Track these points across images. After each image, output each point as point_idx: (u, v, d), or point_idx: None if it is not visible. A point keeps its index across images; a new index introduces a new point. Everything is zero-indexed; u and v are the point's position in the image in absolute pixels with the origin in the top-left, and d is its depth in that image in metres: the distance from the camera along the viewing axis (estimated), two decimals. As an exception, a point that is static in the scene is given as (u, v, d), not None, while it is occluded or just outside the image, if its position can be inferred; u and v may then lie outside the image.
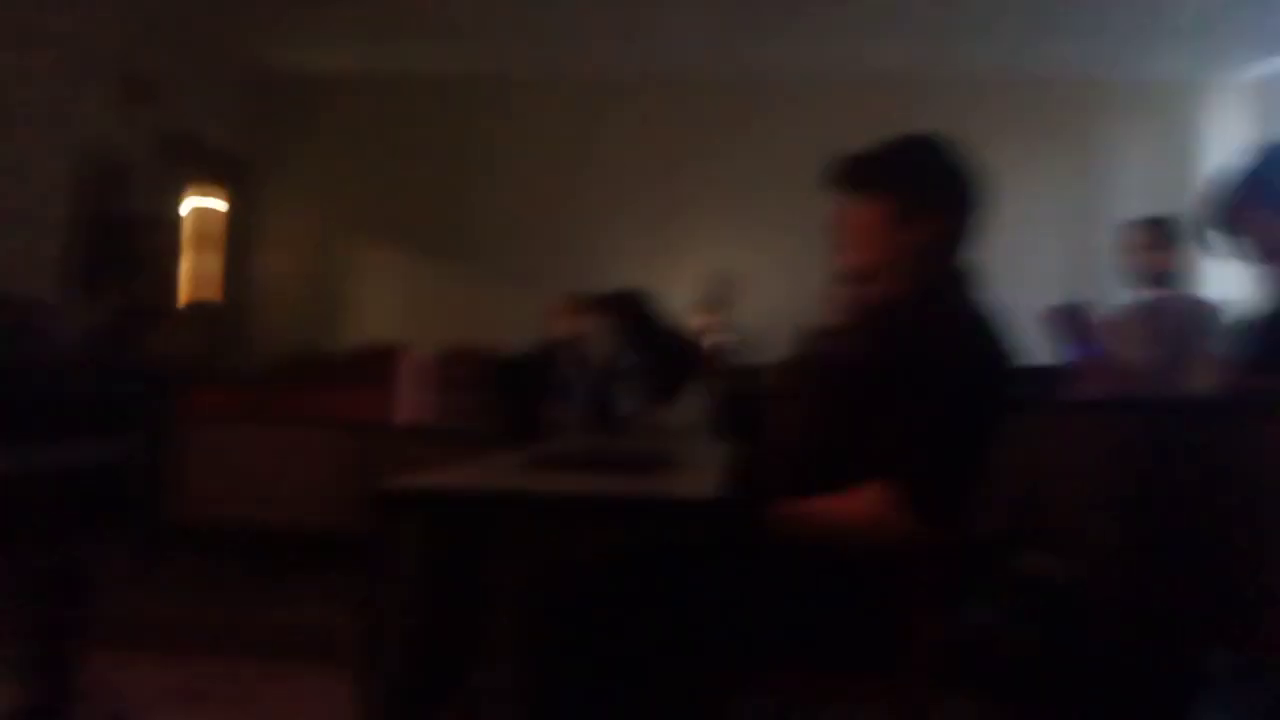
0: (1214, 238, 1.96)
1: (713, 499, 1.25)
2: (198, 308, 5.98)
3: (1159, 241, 3.57)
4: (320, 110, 7.02)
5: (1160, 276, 3.52)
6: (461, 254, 6.91)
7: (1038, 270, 6.24)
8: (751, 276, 6.71)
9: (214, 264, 6.42)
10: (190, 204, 6.23)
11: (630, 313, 3.22)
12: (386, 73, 6.89)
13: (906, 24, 5.94)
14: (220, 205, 6.50)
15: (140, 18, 5.47)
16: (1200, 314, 3.46)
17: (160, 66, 5.67)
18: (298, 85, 6.95)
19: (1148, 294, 3.54)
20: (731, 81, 6.85)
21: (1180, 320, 3.37)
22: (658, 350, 3.02)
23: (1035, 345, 3.35)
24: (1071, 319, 2.76)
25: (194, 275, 6.19)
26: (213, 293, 6.30)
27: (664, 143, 6.91)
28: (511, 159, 6.95)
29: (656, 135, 6.93)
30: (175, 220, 6.06)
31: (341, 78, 6.94)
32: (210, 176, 6.35)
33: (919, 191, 1.67)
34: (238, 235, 6.61)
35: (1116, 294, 3.85)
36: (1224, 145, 6.75)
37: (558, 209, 6.89)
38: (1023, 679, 2.78)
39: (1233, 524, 1.55)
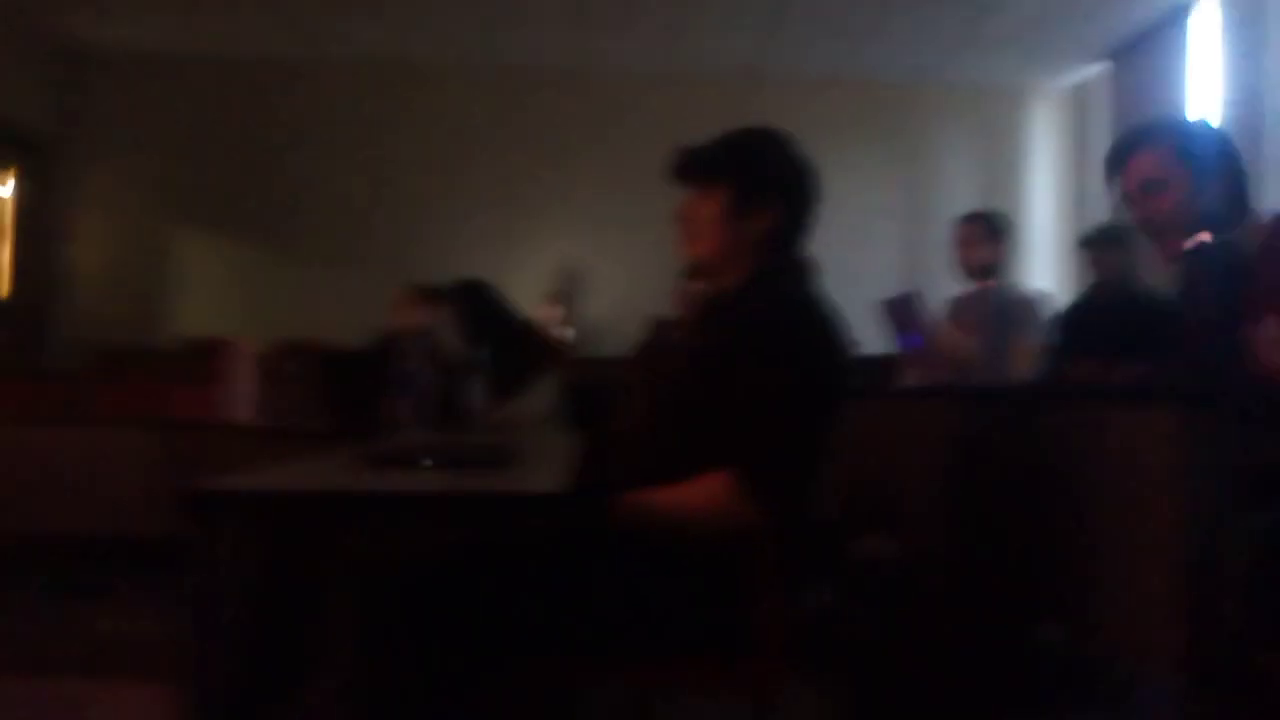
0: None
1: (555, 493, 1.22)
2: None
3: (984, 236, 3.76)
4: (136, 89, 6.57)
5: (985, 269, 3.71)
6: (294, 243, 6.62)
7: (873, 264, 6.49)
8: (599, 268, 6.71)
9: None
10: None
11: (474, 303, 3.14)
12: (211, 51, 6.52)
13: (748, 21, 6.06)
14: (3, 190, 5.95)
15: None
16: (1021, 305, 3.66)
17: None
18: (107, 61, 6.47)
19: (974, 286, 3.73)
20: (577, 72, 6.82)
21: (1002, 311, 3.56)
22: (503, 342, 2.96)
23: (870, 335, 3.47)
24: (902, 310, 2.87)
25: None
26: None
27: (509, 132, 6.82)
28: (350, 145, 6.70)
29: (501, 124, 6.83)
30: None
31: (159, 54, 6.52)
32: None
33: (756, 183, 1.70)
34: (33, 223, 6.08)
35: (946, 286, 4.04)
36: (1044, 149, 7.20)
37: (399, 197, 6.70)
38: (862, 660, 2.87)
39: (1050, 505, 1.63)
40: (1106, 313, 3.97)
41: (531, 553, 1.60)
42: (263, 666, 1.89)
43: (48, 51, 6.18)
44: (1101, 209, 6.47)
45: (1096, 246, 4.12)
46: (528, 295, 4.31)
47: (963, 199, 6.21)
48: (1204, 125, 1.90)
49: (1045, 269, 7.06)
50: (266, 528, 1.69)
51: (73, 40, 6.24)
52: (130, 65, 6.50)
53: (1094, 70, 6.72)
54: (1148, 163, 1.92)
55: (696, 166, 1.74)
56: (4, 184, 5.91)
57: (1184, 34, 5.80)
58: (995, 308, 3.48)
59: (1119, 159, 2.00)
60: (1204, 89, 5.66)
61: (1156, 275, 3.98)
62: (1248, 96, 5.24)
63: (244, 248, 6.62)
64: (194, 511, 1.37)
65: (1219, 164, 1.88)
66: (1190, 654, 1.20)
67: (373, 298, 4.69)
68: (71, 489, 3.50)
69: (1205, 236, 1.55)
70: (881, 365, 3.20)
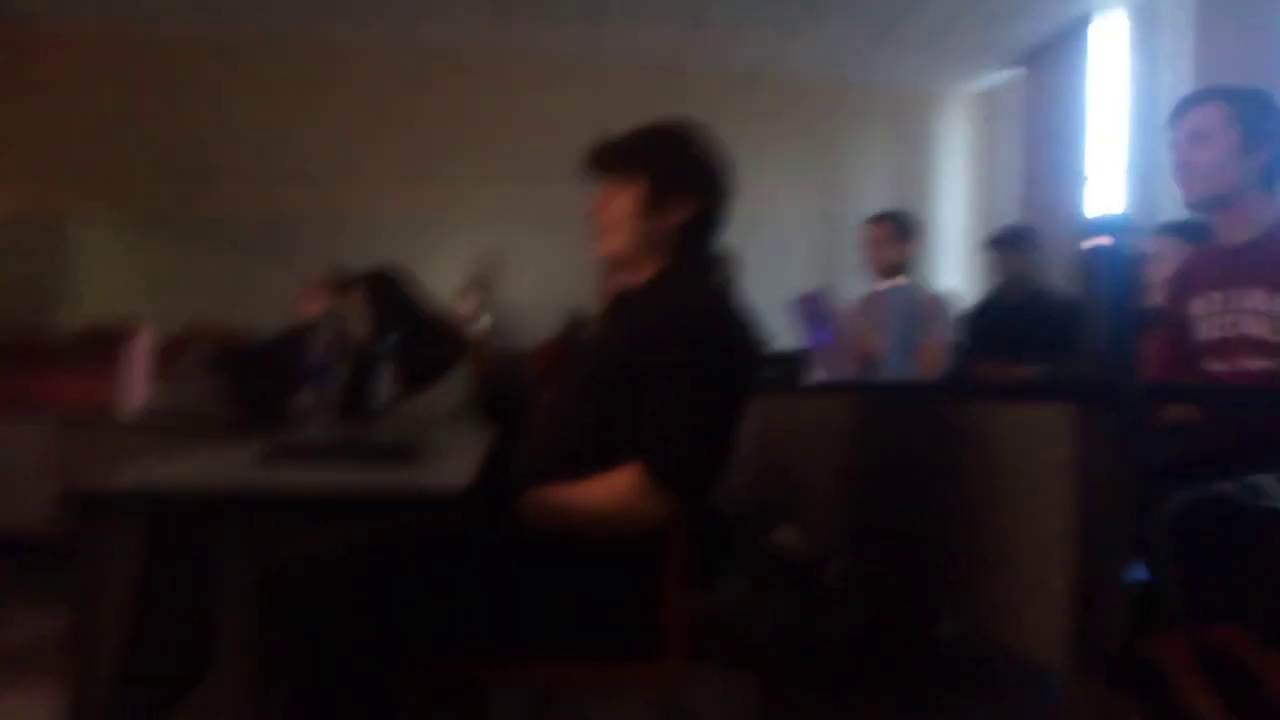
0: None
1: (460, 489, 1.20)
2: None
3: (893, 236, 3.83)
4: (29, 59, 6.25)
5: (894, 268, 3.78)
6: (200, 227, 6.40)
7: (789, 260, 6.56)
8: (516, 259, 6.65)
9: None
10: None
11: (387, 292, 3.08)
12: (114, 22, 6.25)
13: (670, 13, 6.06)
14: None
15: None
16: (928, 303, 3.74)
17: None
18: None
19: (883, 284, 3.80)
20: (495, 58, 6.74)
21: (909, 309, 3.63)
22: (413, 333, 2.90)
23: (784, 331, 3.51)
24: (813, 307, 2.91)
25: None
26: None
27: (425, 117, 6.70)
28: (259, 126, 6.50)
29: (417, 109, 6.72)
30: None
31: (55, 23, 6.23)
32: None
33: (670, 177, 1.69)
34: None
35: (861, 284, 4.10)
36: (955, 150, 7.37)
37: (310, 182, 6.53)
38: (773, 651, 2.91)
39: (952, 500, 1.66)
40: (1010, 312, 4.10)
41: (436, 549, 1.57)
42: (157, 667, 1.83)
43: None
44: (1009, 211, 6.67)
45: (1002, 248, 4.24)
46: (441, 285, 4.24)
47: (876, 198, 6.32)
48: (1270, 102, 2.04)
49: (955, 269, 7.23)
50: (158, 526, 1.62)
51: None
52: (23, 33, 6.20)
53: (1004, 75, 6.91)
54: (1203, 115, 2.06)
55: (610, 159, 1.72)
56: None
57: (1093, 41, 6.00)
58: (903, 306, 3.55)
59: (1183, 108, 2.13)
60: (1109, 95, 5.86)
61: (1059, 276, 4.12)
62: (1149, 103, 5.44)
63: (146, 231, 6.38)
64: (80, 511, 1.32)
65: (1268, 140, 2.03)
66: (1076, 644, 1.24)
67: (280, 285, 4.58)
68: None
69: (1104, 240, 1.59)
70: (793, 361, 3.24)
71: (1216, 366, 2.06)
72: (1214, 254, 2.15)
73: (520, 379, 3.65)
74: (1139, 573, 1.58)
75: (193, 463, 1.58)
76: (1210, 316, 2.09)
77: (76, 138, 6.26)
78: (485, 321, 6.17)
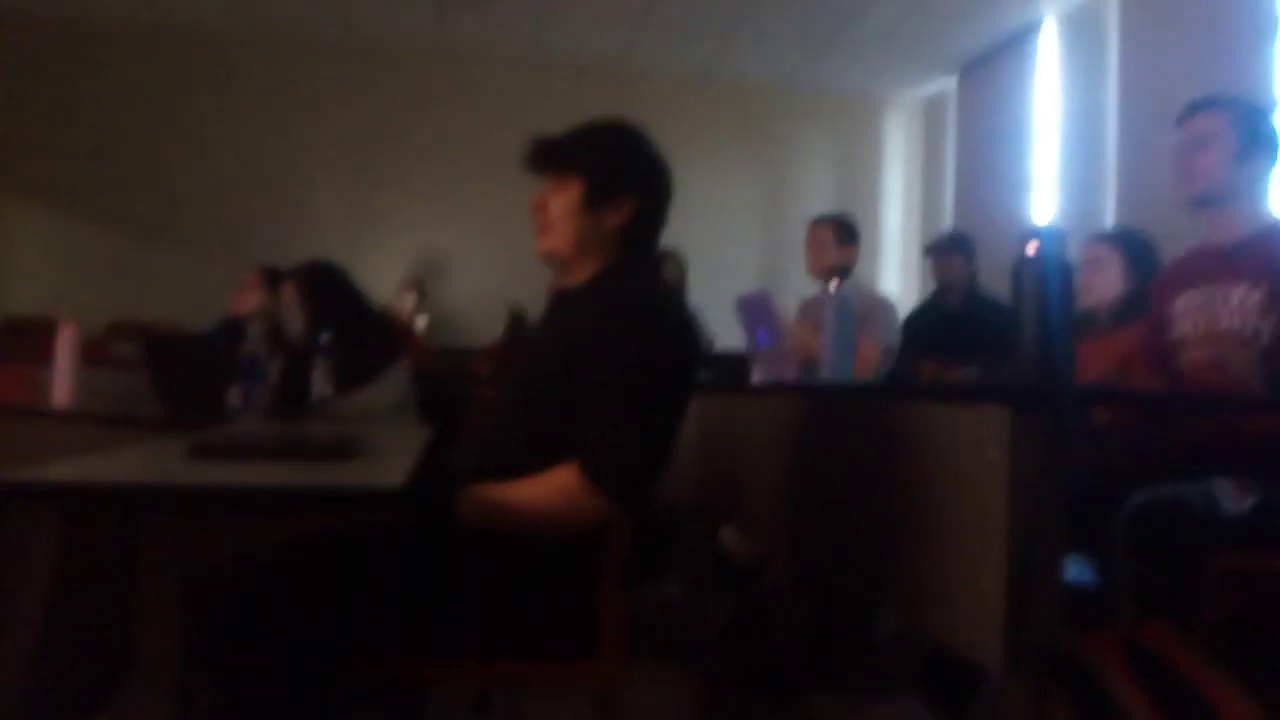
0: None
1: (396, 487, 1.18)
2: None
3: (834, 239, 3.87)
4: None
5: (834, 271, 3.81)
6: (131, 220, 6.24)
7: (732, 261, 6.60)
8: (461, 258, 6.60)
9: None
10: None
11: (320, 287, 3.02)
12: (42, 9, 6.07)
13: (617, 13, 6.06)
14: None
15: None
16: (868, 306, 3.78)
17: None
18: None
19: (824, 287, 3.82)
20: (438, 54, 6.68)
21: (848, 311, 3.66)
22: (350, 329, 2.85)
23: (728, 331, 3.52)
24: (755, 308, 2.92)
25: None
26: None
27: (365, 112, 6.62)
28: (195, 118, 6.37)
29: (357, 104, 6.63)
30: None
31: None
32: None
33: (610, 176, 1.68)
34: None
35: (804, 286, 4.14)
36: (897, 156, 7.48)
37: (248, 176, 6.41)
38: (714, 650, 2.91)
39: (889, 500, 1.68)
40: (947, 316, 4.16)
41: (371, 548, 1.55)
42: (75, 670, 1.77)
43: None
44: (949, 216, 6.78)
45: (940, 253, 4.30)
46: (381, 283, 4.19)
47: (819, 202, 6.38)
48: (1268, 116, 2.16)
49: (896, 273, 7.34)
50: (75, 522, 1.57)
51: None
52: None
53: (946, 83, 7.03)
54: (1207, 121, 2.19)
55: (551, 157, 1.72)
56: None
57: (1030, 53, 6.12)
58: (843, 308, 3.58)
59: (1189, 112, 2.24)
60: (1047, 105, 5.99)
61: (996, 281, 4.19)
62: (1087, 114, 5.57)
63: (74, 223, 6.21)
64: None
65: (1262, 149, 2.17)
66: (1008, 642, 1.26)
67: (213, 282, 4.48)
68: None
69: (1038, 246, 1.62)
70: (735, 361, 3.25)
71: (1195, 356, 2.15)
72: (1202, 253, 2.27)
73: (459, 377, 3.61)
74: (1075, 572, 1.61)
75: (117, 457, 1.53)
76: (1194, 310, 2.20)
77: (5, 126, 6.07)
78: (423, 319, 6.11)
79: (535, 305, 2.71)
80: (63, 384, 2.96)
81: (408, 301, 6.04)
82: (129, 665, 1.67)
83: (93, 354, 3.40)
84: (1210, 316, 2.16)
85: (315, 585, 1.50)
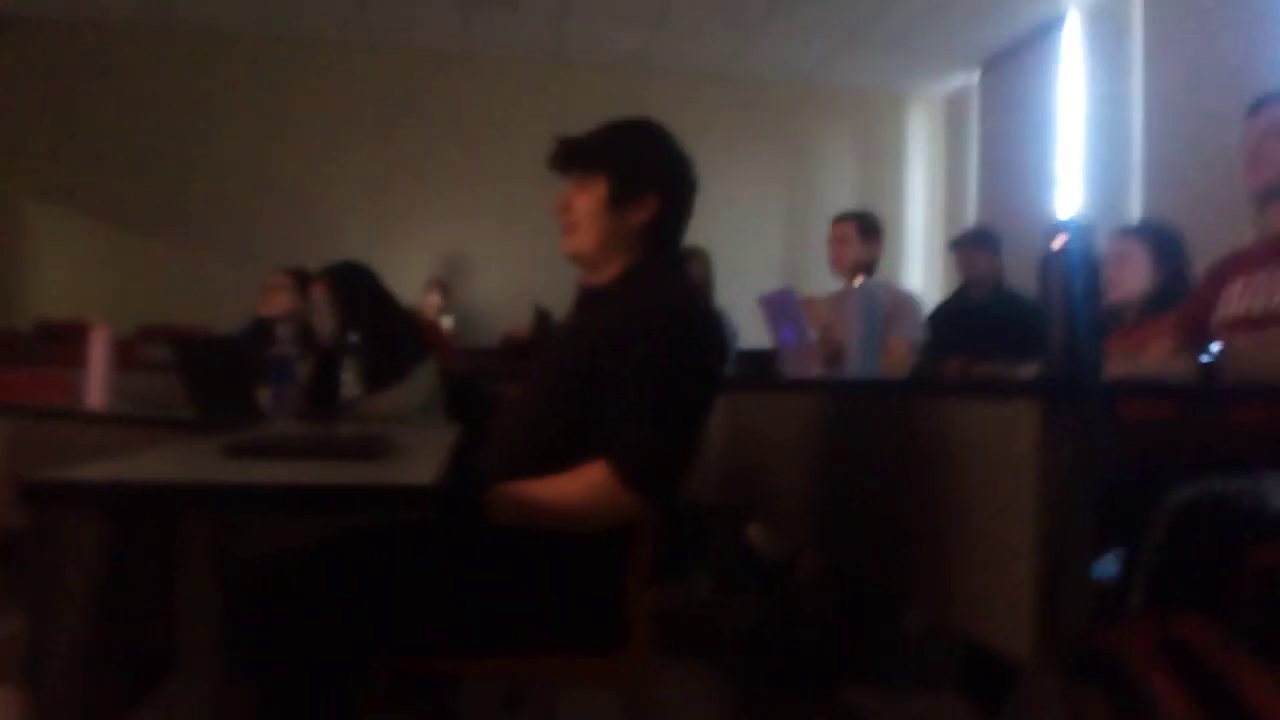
0: None
1: (427, 485, 1.19)
2: None
3: (857, 235, 3.86)
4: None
5: (858, 267, 3.80)
6: (162, 223, 6.32)
7: (757, 259, 6.60)
8: (483, 256, 6.63)
9: None
10: None
11: (350, 287, 3.04)
12: (76, 17, 6.15)
13: (637, 12, 6.07)
14: None
15: None
16: (893, 302, 3.77)
17: None
18: None
19: (848, 283, 3.82)
20: (461, 55, 6.72)
21: (874, 307, 3.65)
22: (380, 328, 2.88)
23: (753, 328, 3.52)
24: (779, 305, 2.92)
25: None
26: None
27: (390, 113, 6.67)
28: (224, 122, 6.44)
29: (384, 107, 6.68)
30: None
31: (20, 15, 6.12)
32: None
33: (634, 175, 1.70)
34: None
35: (828, 282, 4.13)
36: (921, 152, 7.45)
37: (275, 178, 6.47)
38: (743, 646, 2.92)
39: (917, 496, 1.68)
40: (973, 312, 4.14)
41: (402, 545, 1.57)
42: (120, 665, 1.80)
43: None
44: (973, 212, 6.74)
45: (966, 247, 4.28)
46: (406, 281, 4.21)
47: (842, 198, 6.37)
48: None
49: (920, 269, 7.31)
50: (115, 521, 1.59)
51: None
52: None
53: (969, 78, 6.99)
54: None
55: (575, 157, 1.73)
56: None
57: (1054, 46, 6.08)
58: (868, 304, 3.57)
59: (1263, 102, 2.24)
60: (1072, 99, 5.95)
61: (1023, 275, 4.16)
62: (1111, 106, 5.52)
63: (101, 226, 6.29)
64: (37, 503, 1.29)
65: None
66: (1040, 637, 1.26)
67: (242, 284, 4.53)
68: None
69: (1065, 240, 1.62)
70: (761, 358, 3.25)
71: (1242, 339, 2.14)
72: (1267, 241, 2.26)
73: (485, 375, 3.62)
74: (1106, 566, 1.60)
75: (154, 457, 1.56)
76: (1249, 295, 2.19)
77: (37, 135, 6.16)
78: (448, 319, 6.14)
79: (560, 303, 2.73)
80: (96, 387, 3.01)
81: (433, 301, 6.08)
82: (170, 661, 1.69)
83: (123, 357, 3.45)
84: (1267, 301, 2.14)
85: (349, 582, 1.52)
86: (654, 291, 1.64)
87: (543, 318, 4.01)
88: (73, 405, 3.04)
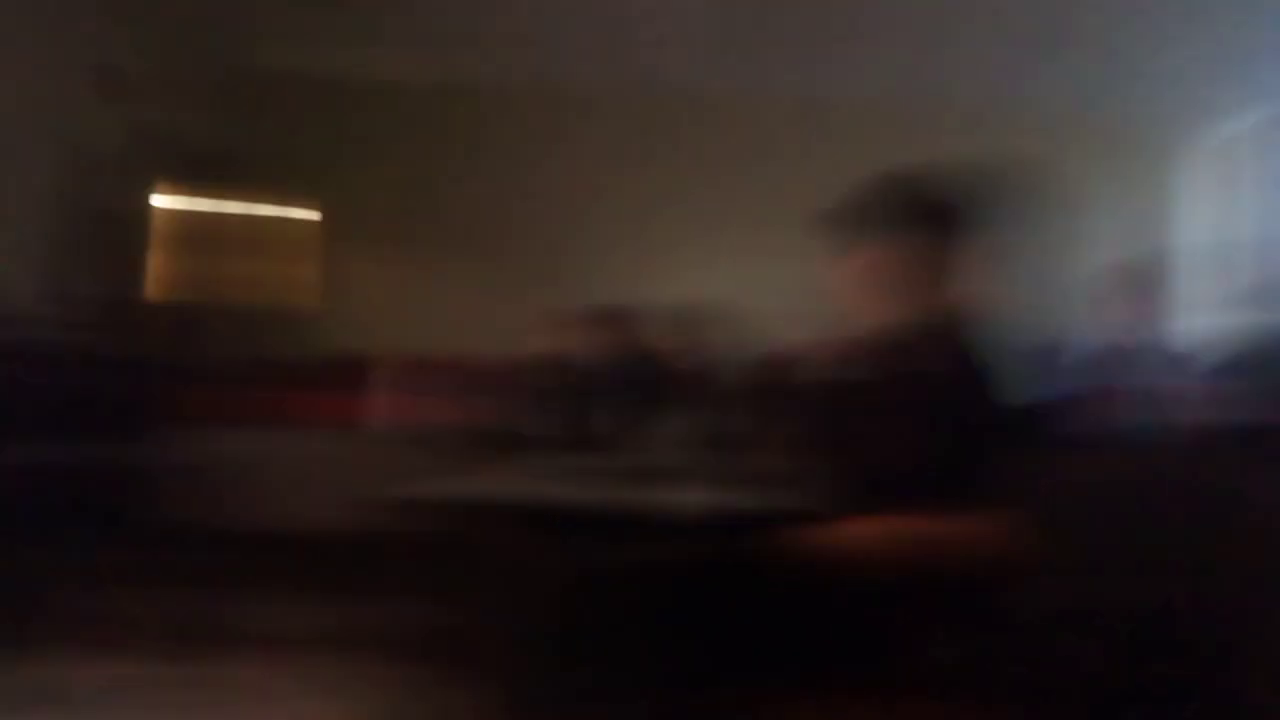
0: None
1: (788, 511, 1.30)
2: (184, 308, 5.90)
3: (1135, 286, 3.74)
4: (302, 109, 6.90)
5: (1137, 319, 3.67)
6: (459, 259, 6.83)
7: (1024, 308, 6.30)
8: (755, 296, 6.71)
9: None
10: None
11: (619, 329, 3.23)
12: (377, 75, 6.82)
13: (900, 52, 6.05)
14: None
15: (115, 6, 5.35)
16: (1172, 353, 3.60)
17: (135, 57, 5.59)
18: (283, 83, 6.79)
19: (1124, 334, 3.69)
20: (725, 101, 6.87)
21: (1154, 359, 3.52)
22: (644, 367, 3.03)
23: (1035, 381, 3.45)
24: (1058, 359, 2.86)
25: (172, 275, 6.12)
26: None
27: (664, 157, 6.91)
28: (510, 167, 6.88)
29: (656, 150, 6.93)
30: (145, 215, 5.95)
31: (326, 78, 6.86)
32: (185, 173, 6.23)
33: (938, 228, 1.72)
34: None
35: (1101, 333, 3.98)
36: (1199, 197, 6.92)
37: (556, 216, 6.86)
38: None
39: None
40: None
41: (731, 575, 1.59)
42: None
43: (239, 78, 6.55)
44: (1254, 262, 6.25)
45: (1253, 300, 4.05)
46: (663, 320, 4.31)
47: (1118, 245, 6.07)
48: None
49: (1198, 318, 6.82)
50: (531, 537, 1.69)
51: (261, 67, 6.62)
52: (297, 86, 6.81)
53: (1248, 121, 6.56)
54: None
55: (879, 214, 1.75)
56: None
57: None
58: (1148, 356, 3.47)
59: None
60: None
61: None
62: None
63: (419, 264, 6.87)
64: (420, 516, 1.45)
65: None
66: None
67: (538, 314, 4.78)
68: (271, 488, 3.76)
69: None
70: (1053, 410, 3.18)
71: None
72: None
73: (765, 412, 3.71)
74: None
75: (510, 476, 1.70)
76: None
77: (342, 182, 6.84)
78: (703, 355, 6.29)
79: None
80: (396, 408, 3.33)
81: (686, 339, 6.25)
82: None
83: (419, 382, 3.79)
84: None
85: (684, 607, 1.56)
86: (969, 342, 1.66)
87: (838, 359, 4.00)
88: (379, 425, 3.37)
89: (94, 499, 3.46)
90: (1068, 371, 3.19)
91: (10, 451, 3.18)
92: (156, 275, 6.10)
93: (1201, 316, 6.88)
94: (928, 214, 1.74)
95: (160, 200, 6.22)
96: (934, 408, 1.61)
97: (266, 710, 2.65)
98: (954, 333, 1.71)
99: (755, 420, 3.69)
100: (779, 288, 6.01)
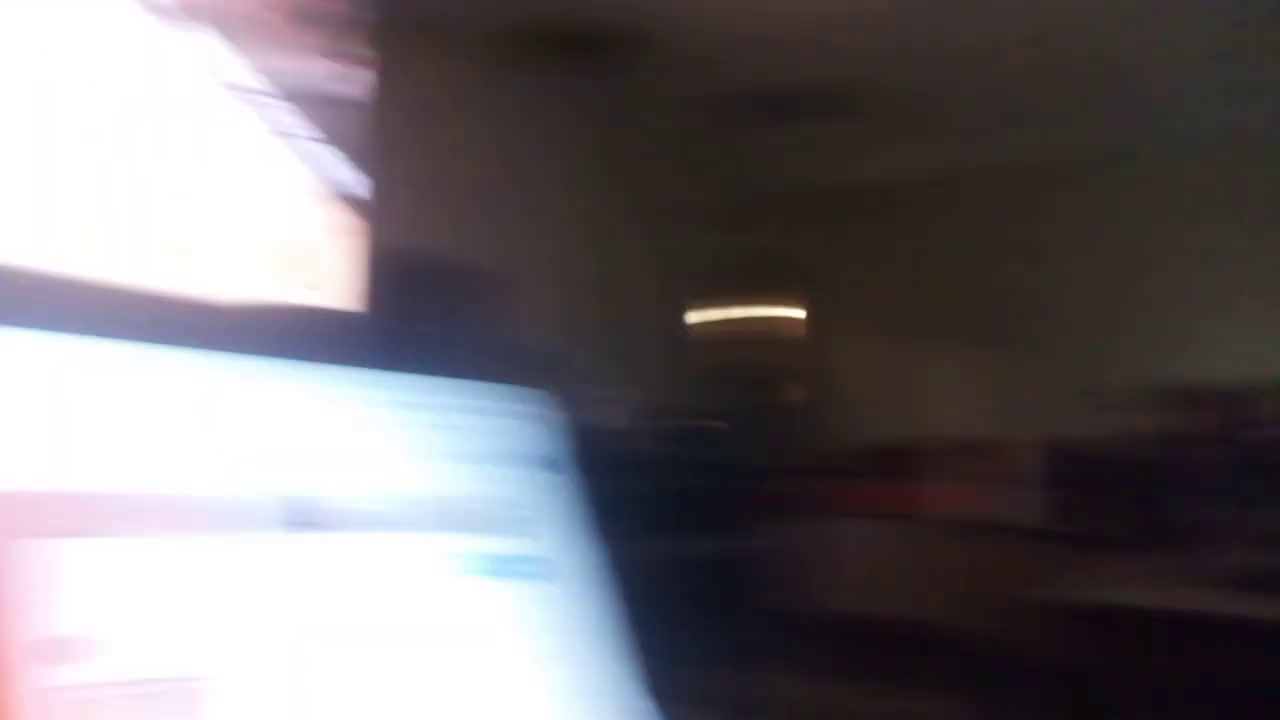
0: None
1: None
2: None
3: None
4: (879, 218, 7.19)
5: None
6: (1022, 345, 6.64)
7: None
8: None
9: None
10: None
11: (1226, 411, 2.94)
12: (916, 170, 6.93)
13: None
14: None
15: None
16: None
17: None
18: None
19: None
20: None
21: None
22: (1239, 453, 2.72)
23: None
24: None
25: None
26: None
27: (1203, 218, 6.14)
28: (1055, 247, 6.61)
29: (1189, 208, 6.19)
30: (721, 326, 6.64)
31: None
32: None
33: None
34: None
35: None
36: None
37: (1098, 293, 6.40)
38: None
39: None
40: None
41: None
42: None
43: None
44: None
45: None
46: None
47: None
48: None
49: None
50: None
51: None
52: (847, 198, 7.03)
53: None
54: None
55: None
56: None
57: None
58: None
59: None
60: None
61: None
62: None
63: (976, 351, 6.83)
64: (1059, 620, 1.49)
65: None
66: None
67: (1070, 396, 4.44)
68: (862, 577, 4.02)
69: None
70: None
71: None
72: None
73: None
74: None
75: (1112, 577, 1.68)
76: None
77: (914, 276, 7.04)
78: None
79: None
80: (1007, 500, 3.36)
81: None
82: None
83: (1023, 471, 3.77)
84: None
85: None
86: None
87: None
88: (986, 517, 3.43)
89: (718, 587, 3.95)
90: None
91: (659, 545, 3.78)
92: (734, 380, 6.72)
93: None
94: None
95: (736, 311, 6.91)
96: None
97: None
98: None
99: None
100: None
